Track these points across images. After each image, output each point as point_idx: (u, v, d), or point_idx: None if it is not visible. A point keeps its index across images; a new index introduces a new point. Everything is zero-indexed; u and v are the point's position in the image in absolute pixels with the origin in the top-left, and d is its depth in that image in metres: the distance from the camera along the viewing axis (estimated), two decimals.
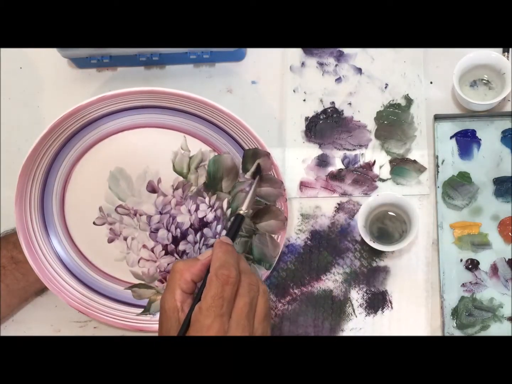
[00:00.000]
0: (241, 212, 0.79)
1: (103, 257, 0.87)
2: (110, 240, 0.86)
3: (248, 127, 0.82)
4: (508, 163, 0.88)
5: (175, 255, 0.87)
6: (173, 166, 0.85)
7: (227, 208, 0.87)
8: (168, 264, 0.87)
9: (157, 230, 0.86)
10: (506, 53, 0.91)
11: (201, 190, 0.86)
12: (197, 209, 0.86)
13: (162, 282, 0.88)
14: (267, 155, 0.84)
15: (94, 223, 0.86)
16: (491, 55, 0.89)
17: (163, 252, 0.87)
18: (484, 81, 0.91)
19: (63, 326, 0.91)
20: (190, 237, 0.87)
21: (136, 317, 0.87)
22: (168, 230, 0.86)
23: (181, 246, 0.87)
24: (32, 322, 0.91)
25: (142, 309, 0.88)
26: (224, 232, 0.87)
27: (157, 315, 0.79)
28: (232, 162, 0.85)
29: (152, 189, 0.85)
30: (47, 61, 0.98)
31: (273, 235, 0.87)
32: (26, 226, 0.83)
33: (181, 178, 0.85)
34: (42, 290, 0.90)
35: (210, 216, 0.87)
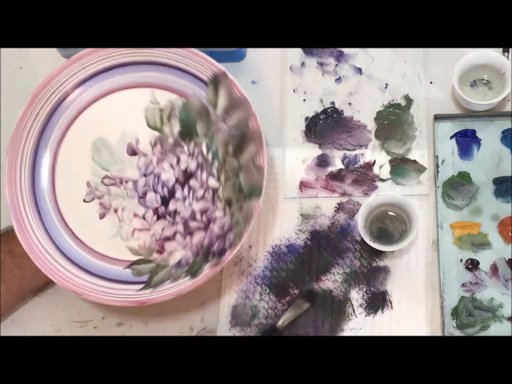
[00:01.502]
0: (277, 326, 0.84)
1: (97, 236, 0.87)
2: (102, 216, 0.87)
3: (200, 53, 0.83)
4: (508, 163, 0.88)
5: (168, 217, 0.86)
6: (147, 122, 0.86)
7: (207, 152, 0.86)
8: (162, 230, 0.87)
9: (145, 194, 0.86)
10: (506, 53, 0.91)
11: (178, 140, 0.86)
12: (178, 161, 0.86)
13: (160, 253, 0.86)
14: (223, 73, 0.84)
15: (84, 200, 0.86)
16: (491, 55, 0.89)
17: (155, 217, 0.87)
18: (484, 81, 0.91)
19: (63, 326, 0.91)
20: (178, 194, 0.86)
21: (137, 293, 0.86)
22: (156, 192, 0.86)
23: (171, 206, 0.86)
24: (32, 322, 0.91)
25: (143, 285, 0.86)
26: (210, 179, 0.85)
27: (159, 287, 0.81)
28: (200, 103, 0.85)
29: (132, 151, 0.86)
30: (47, 61, 0.98)
31: (256, 161, 0.84)
32: (18, 209, 0.84)
33: (157, 133, 0.86)
34: (38, 289, 0.90)
35: (193, 165, 0.86)
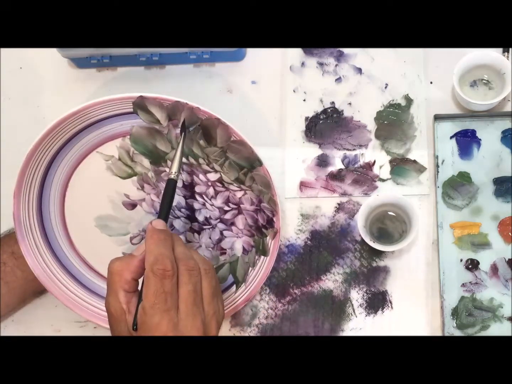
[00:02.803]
0: (172, 176, 0.77)
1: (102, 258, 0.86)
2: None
3: (100, 100, 0.79)
4: (508, 163, 0.88)
5: (204, 226, 0.87)
6: (119, 177, 0.86)
7: (187, 159, 0.85)
8: (210, 237, 0.87)
9: (172, 226, 0.87)
10: (506, 53, 0.91)
11: (155, 169, 0.85)
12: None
13: (224, 253, 0.87)
14: (140, 97, 0.80)
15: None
16: (491, 55, 0.89)
17: (196, 234, 0.87)
18: (484, 81, 0.91)
19: (63, 326, 0.91)
20: (196, 205, 0.86)
21: (237, 294, 0.87)
22: (178, 217, 0.87)
23: (200, 217, 0.87)
24: (32, 322, 0.91)
25: (234, 285, 0.87)
26: (208, 175, 0.85)
27: (248, 280, 0.83)
28: (143, 128, 0.83)
29: (131, 205, 0.87)
30: (47, 61, 0.98)
31: (234, 139, 0.82)
32: (23, 223, 0.84)
33: (135, 178, 0.86)
34: (41, 291, 0.90)
35: (185, 177, 0.86)
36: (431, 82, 0.94)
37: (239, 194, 0.85)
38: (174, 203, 0.83)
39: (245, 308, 0.88)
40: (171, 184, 0.77)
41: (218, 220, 0.86)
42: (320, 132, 0.93)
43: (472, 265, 0.86)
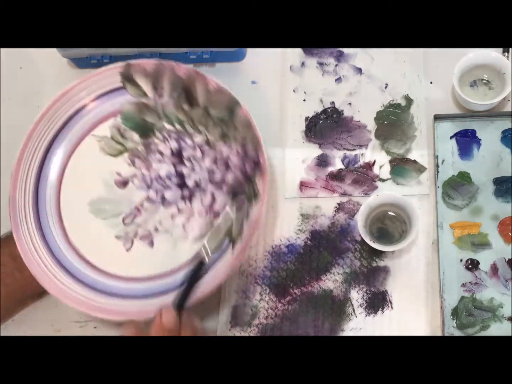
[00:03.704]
0: (204, 255, 0.79)
1: (154, 256, 0.87)
2: (151, 244, 0.88)
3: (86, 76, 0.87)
4: (508, 163, 0.88)
5: (196, 192, 0.88)
6: (112, 155, 0.89)
7: (173, 126, 0.89)
8: (202, 203, 0.88)
9: (163, 198, 0.88)
10: (506, 53, 0.91)
11: (145, 143, 0.89)
12: (161, 154, 0.89)
13: (217, 216, 0.87)
14: (127, 64, 0.88)
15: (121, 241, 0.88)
16: (491, 55, 0.89)
17: (187, 202, 0.88)
18: (484, 81, 0.91)
19: (63, 326, 0.90)
20: (185, 170, 0.88)
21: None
22: (169, 187, 0.89)
23: (190, 182, 0.88)
24: (32, 322, 0.91)
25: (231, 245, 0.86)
26: (195, 138, 0.88)
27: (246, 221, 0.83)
28: (132, 103, 0.88)
29: (122, 183, 0.89)
30: (47, 61, 0.98)
31: (211, 88, 0.87)
32: (20, 223, 0.86)
33: (126, 153, 0.89)
34: (40, 293, 0.90)
35: (173, 144, 0.89)
36: (431, 82, 0.94)
37: (225, 149, 0.87)
38: (163, 174, 0.87)
39: (245, 308, 0.88)
40: (199, 266, 0.78)
41: (208, 182, 0.88)
42: (320, 132, 0.93)
43: (472, 265, 0.86)
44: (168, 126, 0.89)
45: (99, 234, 0.88)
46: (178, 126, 0.88)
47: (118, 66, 0.87)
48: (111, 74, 0.87)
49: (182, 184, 0.88)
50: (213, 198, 0.87)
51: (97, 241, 0.87)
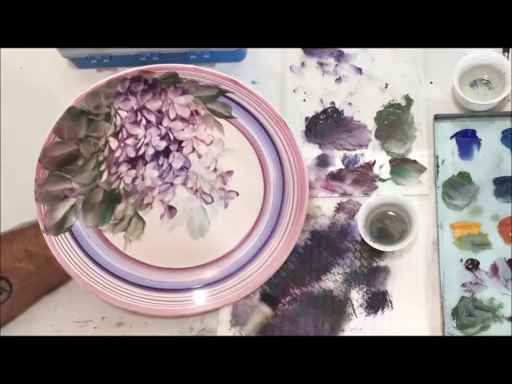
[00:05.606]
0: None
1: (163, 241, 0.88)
2: (161, 216, 0.88)
3: None
4: (508, 163, 0.88)
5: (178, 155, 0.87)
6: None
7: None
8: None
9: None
10: (506, 53, 0.91)
11: (115, 133, 0.85)
12: (128, 136, 0.86)
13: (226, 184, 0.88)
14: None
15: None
16: (491, 55, 0.89)
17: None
18: (484, 81, 0.91)
19: (63, 326, 0.90)
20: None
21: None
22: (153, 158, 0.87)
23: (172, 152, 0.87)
24: (32, 322, 0.91)
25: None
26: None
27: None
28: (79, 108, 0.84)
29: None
30: (47, 61, 0.98)
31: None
32: None
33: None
34: (53, 287, 0.90)
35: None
36: (431, 82, 0.94)
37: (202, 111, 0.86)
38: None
39: (245, 308, 0.88)
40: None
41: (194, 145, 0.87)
42: (320, 132, 0.93)
43: (472, 265, 0.86)
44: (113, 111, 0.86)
45: None
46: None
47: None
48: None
49: (166, 153, 0.87)
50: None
51: None
